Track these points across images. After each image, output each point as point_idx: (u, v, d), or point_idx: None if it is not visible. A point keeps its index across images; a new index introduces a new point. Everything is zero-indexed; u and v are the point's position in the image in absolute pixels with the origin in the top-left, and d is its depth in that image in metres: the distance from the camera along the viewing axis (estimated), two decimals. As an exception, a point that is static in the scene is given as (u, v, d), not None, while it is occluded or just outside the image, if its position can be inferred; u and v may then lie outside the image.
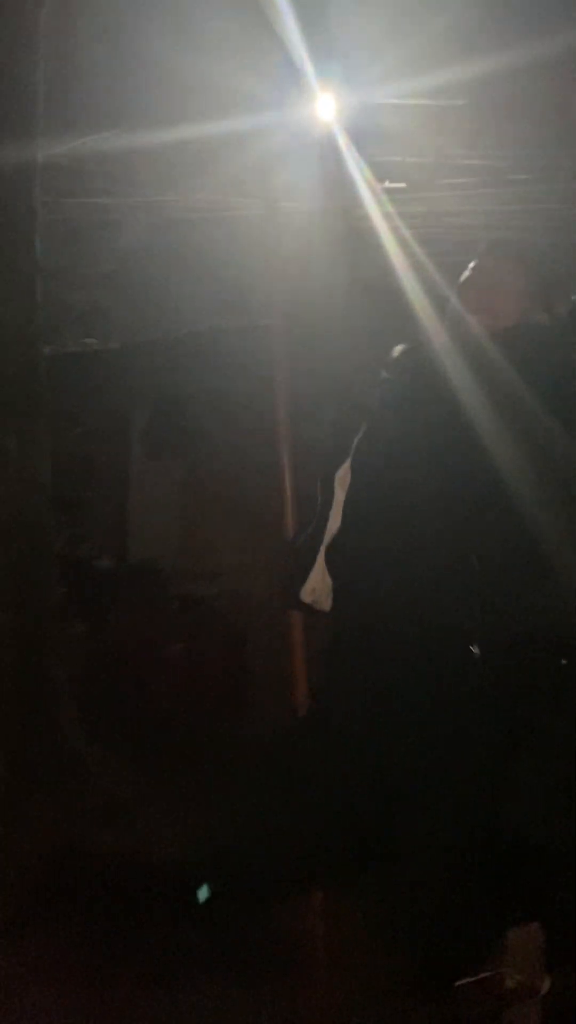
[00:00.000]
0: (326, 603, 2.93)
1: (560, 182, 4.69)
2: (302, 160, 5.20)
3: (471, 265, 2.90)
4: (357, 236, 4.67)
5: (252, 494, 4.49)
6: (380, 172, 4.82)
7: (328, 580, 2.90)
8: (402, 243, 4.59)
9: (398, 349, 2.97)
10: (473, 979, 2.58)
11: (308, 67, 4.90)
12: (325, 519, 2.89)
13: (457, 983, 2.58)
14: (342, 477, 2.90)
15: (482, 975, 2.61)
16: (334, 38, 4.87)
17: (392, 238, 4.62)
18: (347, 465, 2.88)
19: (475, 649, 2.62)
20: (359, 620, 2.78)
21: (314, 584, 2.90)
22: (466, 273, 2.88)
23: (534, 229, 4.68)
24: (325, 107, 5.15)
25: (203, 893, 2.69)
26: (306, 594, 2.96)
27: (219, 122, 5.08)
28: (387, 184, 4.66)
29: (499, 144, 4.82)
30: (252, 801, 2.87)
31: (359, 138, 4.91)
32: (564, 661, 2.71)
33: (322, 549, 2.89)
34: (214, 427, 4.69)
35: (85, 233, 5.59)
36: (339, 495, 2.89)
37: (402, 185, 4.54)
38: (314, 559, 2.88)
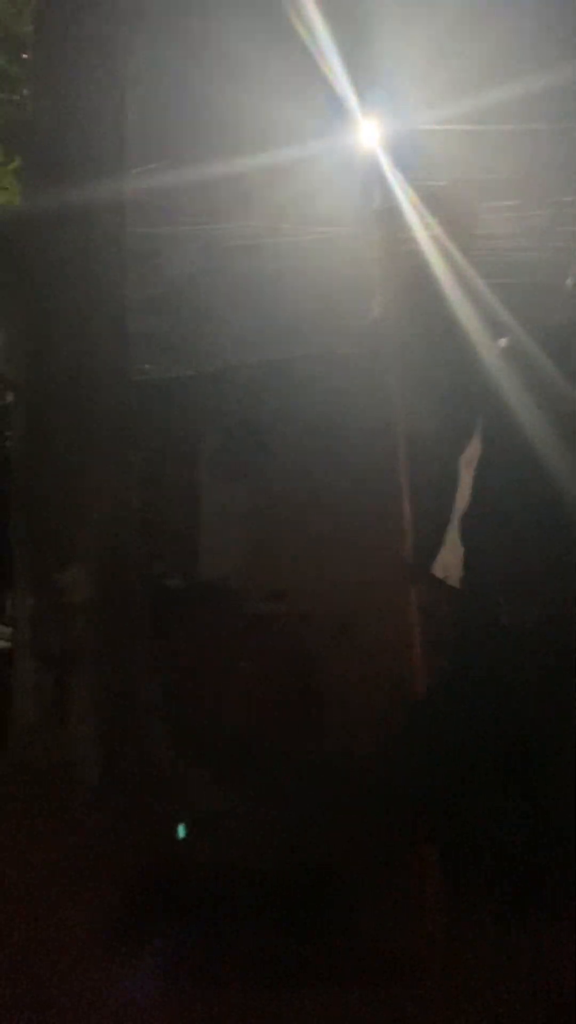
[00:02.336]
0: (456, 576, 3.08)
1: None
2: (348, 187, 5.27)
3: None
4: (405, 260, 4.71)
5: (321, 517, 4.57)
6: (425, 196, 4.85)
7: (460, 551, 3.05)
8: (451, 264, 4.62)
9: (503, 340, 3.17)
10: None
11: (351, 96, 4.98)
12: (452, 498, 3.05)
13: None
14: (468, 459, 3.06)
15: None
16: (377, 67, 4.93)
17: (441, 261, 4.65)
18: (473, 446, 3.03)
19: None
20: (491, 587, 2.92)
21: (444, 559, 3.06)
22: None
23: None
24: (369, 135, 5.22)
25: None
26: (437, 569, 3.12)
27: (266, 153, 5.18)
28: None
29: (543, 166, 4.84)
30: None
31: (404, 164, 4.96)
32: None
33: (455, 522, 3.06)
34: (283, 451, 4.81)
35: (135, 262, 5.72)
36: (465, 476, 3.06)
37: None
38: (443, 536, 3.05)
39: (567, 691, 2.90)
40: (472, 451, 3.14)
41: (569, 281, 4.64)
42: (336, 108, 5.06)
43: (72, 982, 2.68)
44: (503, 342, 3.27)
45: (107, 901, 3.05)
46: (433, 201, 3.69)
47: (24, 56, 4.25)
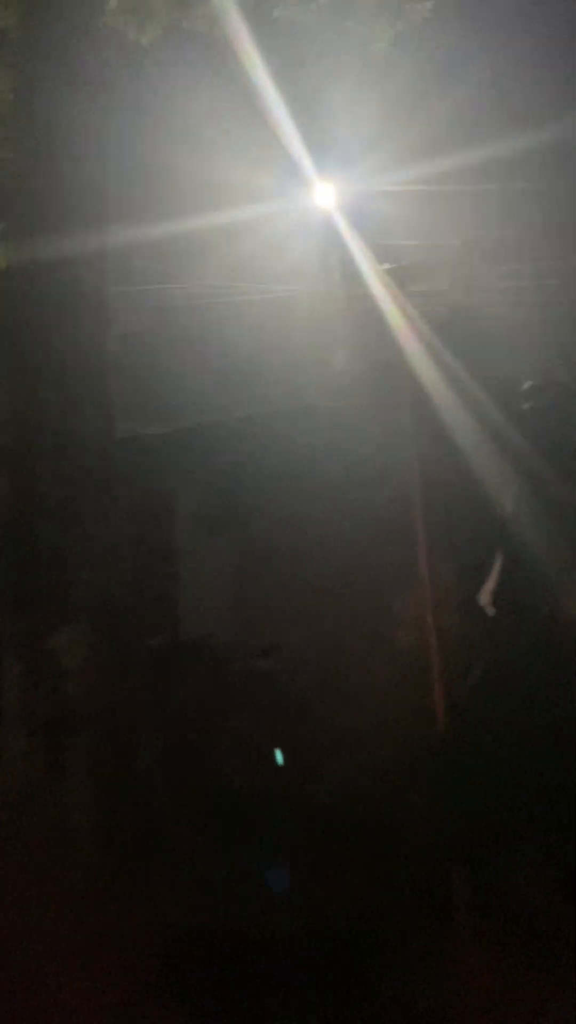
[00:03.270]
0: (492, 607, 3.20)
1: (556, 261, 4.89)
2: (306, 247, 5.38)
3: None
4: (362, 316, 4.83)
5: (305, 569, 4.62)
6: (381, 256, 4.98)
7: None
8: (407, 321, 4.74)
9: (528, 384, 3.34)
10: None
11: (305, 158, 5.11)
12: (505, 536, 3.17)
13: None
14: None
15: None
16: (330, 130, 5.08)
17: (398, 316, 4.77)
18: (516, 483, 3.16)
19: None
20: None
21: (489, 589, 3.20)
22: None
23: (532, 304, 4.88)
24: (323, 195, 5.35)
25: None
26: (483, 597, 3.27)
27: (222, 212, 5.26)
28: (386, 266, 4.83)
29: (496, 227, 5.02)
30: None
31: (359, 224, 5.09)
32: None
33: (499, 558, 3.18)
34: (264, 506, 4.86)
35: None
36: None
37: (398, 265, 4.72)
38: (492, 569, 3.18)
39: None
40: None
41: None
42: (292, 170, 5.18)
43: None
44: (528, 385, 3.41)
45: (110, 971, 2.99)
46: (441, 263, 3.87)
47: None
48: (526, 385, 3.70)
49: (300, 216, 5.25)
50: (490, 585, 3.27)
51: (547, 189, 4.85)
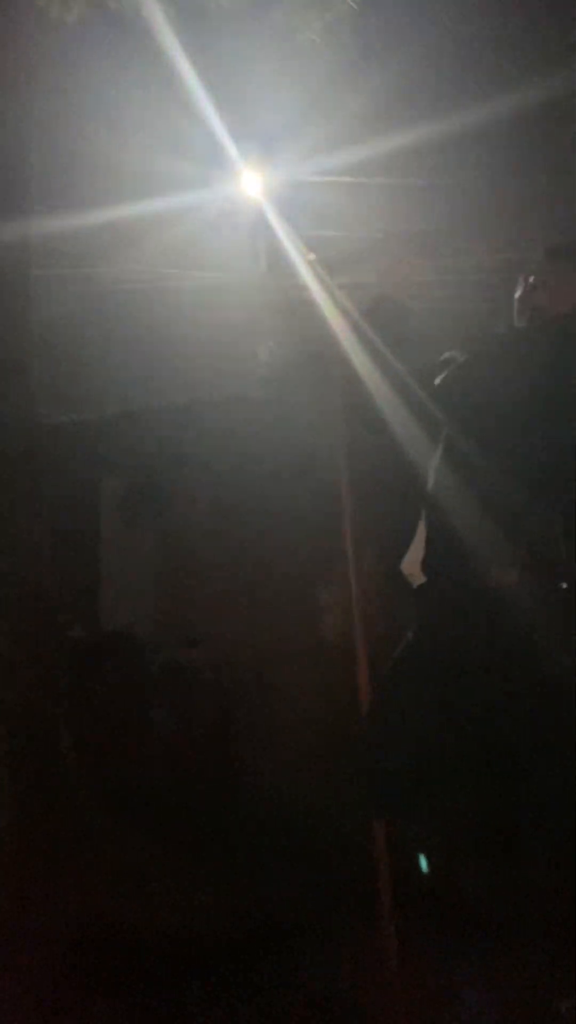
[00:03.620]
0: (419, 576, 3.18)
1: (484, 253, 4.95)
2: (230, 234, 5.36)
3: (533, 270, 3.33)
4: (290, 305, 4.84)
5: (228, 560, 4.62)
6: (309, 245, 4.98)
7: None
8: (334, 312, 4.76)
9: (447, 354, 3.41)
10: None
11: (231, 147, 5.07)
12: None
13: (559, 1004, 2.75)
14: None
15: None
16: (255, 119, 5.04)
17: (328, 307, 4.79)
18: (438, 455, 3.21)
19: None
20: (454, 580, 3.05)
21: (411, 558, 3.23)
22: (531, 279, 3.31)
23: (460, 297, 4.94)
24: (249, 184, 5.33)
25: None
26: (405, 566, 3.29)
27: (147, 200, 5.20)
28: (311, 257, 4.84)
29: (424, 218, 5.05)
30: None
31: (286, 213, 5.08)
32: None
33: (420, 524, 3.22)
34: (189, 495, 4.83)
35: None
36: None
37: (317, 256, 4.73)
38: (411, 538, 3.23)
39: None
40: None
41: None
42: (217, 158, 5.14)
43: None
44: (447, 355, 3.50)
45: (38, 971, 2.99)
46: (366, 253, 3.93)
47: None
48: (441, 358, 3.77)
49: (227, 205, 5.22)
50: (414, 555, 3.31)
51: (474, 180, 4.90)
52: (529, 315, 3.44)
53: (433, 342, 4.45)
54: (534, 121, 4.95)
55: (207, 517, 4.89)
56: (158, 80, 4.53)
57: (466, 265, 4.88)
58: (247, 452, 4.90)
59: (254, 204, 5.23)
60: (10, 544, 3.89)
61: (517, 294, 3.50)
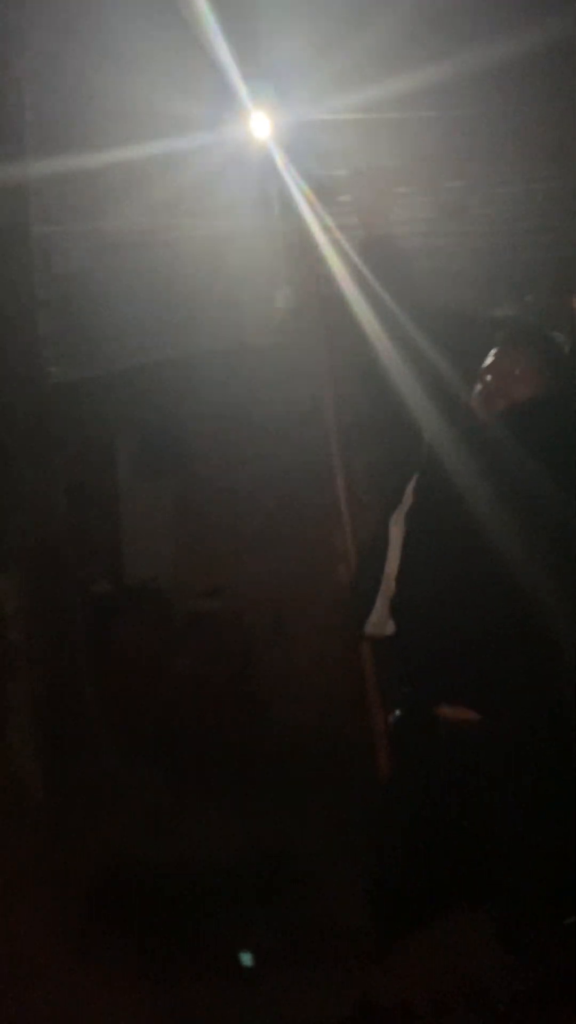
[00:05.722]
0: (388, 629, 3.20)
1: (493, 187, 4.85)
2: (239, 179, 5.23)
3: (492, 352, 3.32)
4: (306, 251, 4.72)
5: (245, 509, 4.59)
6: (318, 187, 4.85)
7: (387, 614, 3.19)
8: (345, 256, 4.64)
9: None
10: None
11: (240, 87, 4.93)
12: (383, 560, 3.22)
13: (566, 921, 2.82)
14: (396, 520, 3.22)
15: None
16: (264, 58, 4.91)
17: (335, 251, 4.68)
18: (400, 513, 3.19)
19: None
20: (428, 676, 3.03)
21: (375, 619, 3.22)
22: (488, 359, 3.30)
23: (470, 234, 4.84)
24: (259, 126, 5.19)
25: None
26: (369, 627, 3.30)
27: (152, 143, 5.07)
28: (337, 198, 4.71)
29: (435, 155, 4.94)
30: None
31: (295, 155, 4.95)
32: None
33: (382, 590, 3.19)
34: (202, 447, 4.79)
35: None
36: (395, 536, 3.21)
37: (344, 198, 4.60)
38: (374, 599, 3.21)
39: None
40: (399, 516, 3.26)
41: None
42: (226, 99, 5.01)
43: (34, 992, 2.63)
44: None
45: (65, 910, 3.01)
46: (345, 187, 3.83)
47: None
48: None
49: (235, 148, 5.09)
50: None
51: (485, 113, 4.77)
52: (489, 406, 3.38)
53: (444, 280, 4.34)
54: (547, 57, 4.81)
55: (220, 467, 4.84)
56: (162, 15, 4.40)
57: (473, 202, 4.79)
58: (257, 402, 4.83)
59: (263, 147, 5.10)
60: (25, 502, 3.85)
61: (476, 389, 3.46)
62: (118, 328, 5.35)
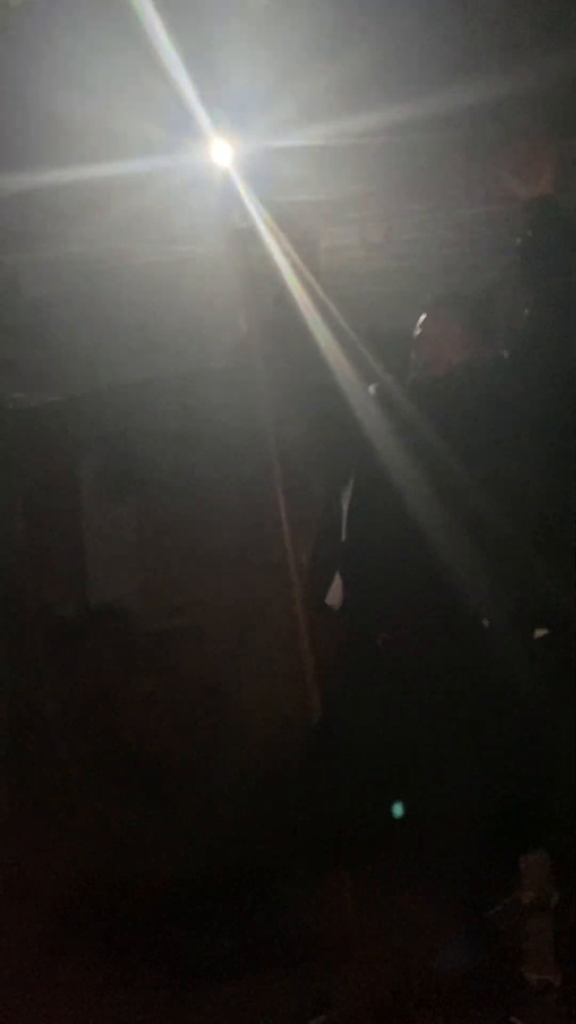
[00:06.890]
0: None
1: (452, 210, 4.94)
2: (200, 205, 5.24)
3: (420, 320, 3.41)
4: (264, 277, 4.75)
5: (206, 529, 4.60)
6: (278, 214, 4.89)
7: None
8: (305, 284, 4.67)
9: (372, 387, 3.45)
10: (499, 907, 2.95)
11: (200, 113, 4.96)
12: (339, 536, 3.32)
13: (487, 913, 2.96)
14: (346, 496, 3.30)
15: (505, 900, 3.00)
16: (227, 86, 4.94)
17: (295, 279, 4.71)
18: (348, 488, 3.28)
19: (485, 622, 3.09)
20: (366, 614, 3.16)
21: (336, 591, 3.30)
22: (417, 329, 3.40)
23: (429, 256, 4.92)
24: (220, 152, 5.22)
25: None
26: (331, 598, 3.45)
27: (112, 166, 5.07)
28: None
29: (383, 182, 5.01)
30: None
31: (256, 182, 4.99)
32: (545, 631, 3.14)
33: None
34: (164, 469, 4.81)
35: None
36: (347, 512, 3.30)
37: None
38: (334, 573, 3.30)
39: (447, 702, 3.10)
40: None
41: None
42: (186, 125, 5.03)
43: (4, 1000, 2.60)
44: (372, 389, 3.55)
45: (32, 923, 3.00)
46: (280, 222, 4.03)
47: None
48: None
49: (196, 173, 5.11)
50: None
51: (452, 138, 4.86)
52: (431, 371, 3.52)
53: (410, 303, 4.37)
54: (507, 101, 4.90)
55: (182, 489, 4.86)
56: (124, 36, 4.41)
57: (440, 220, 4.86)
58: (217, 425, 4.84)
59: (224, 173, 5.13)
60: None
61: (412, 359, 3.59)
62: (78, 352, 5.32)
